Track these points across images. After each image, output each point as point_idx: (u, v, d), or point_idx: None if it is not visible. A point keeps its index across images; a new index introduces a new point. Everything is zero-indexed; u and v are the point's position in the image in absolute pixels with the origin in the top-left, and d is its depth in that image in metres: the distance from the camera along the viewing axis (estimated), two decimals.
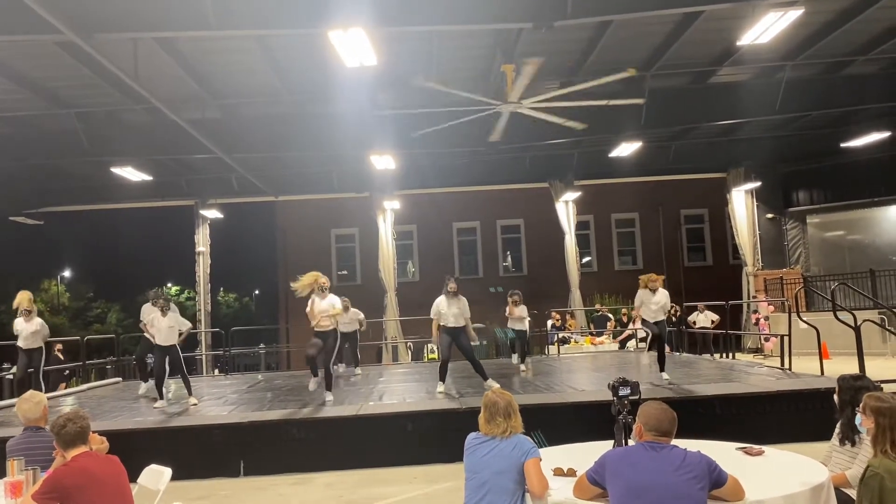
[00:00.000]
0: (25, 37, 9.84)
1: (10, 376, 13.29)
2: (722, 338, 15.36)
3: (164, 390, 10.33)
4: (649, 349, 10.33)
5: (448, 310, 9.75)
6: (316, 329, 9.40)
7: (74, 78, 12.83)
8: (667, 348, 11.00)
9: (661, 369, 10.13)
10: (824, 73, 14.96)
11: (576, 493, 3.49)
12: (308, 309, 9.37)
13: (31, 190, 19.46)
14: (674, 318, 17.38)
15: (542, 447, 4.06)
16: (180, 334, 10.16)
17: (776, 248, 21.10)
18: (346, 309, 11.27)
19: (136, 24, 9.73)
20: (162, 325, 9.95)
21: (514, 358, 13.32)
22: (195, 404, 9.88)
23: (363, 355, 20.50)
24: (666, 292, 9.97)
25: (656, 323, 9.95)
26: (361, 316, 13.56)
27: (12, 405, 7.21)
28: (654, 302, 9.81)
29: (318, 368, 9.56)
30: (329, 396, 9.42)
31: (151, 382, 10.76)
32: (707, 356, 14.45)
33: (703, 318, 17.42)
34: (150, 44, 11.07)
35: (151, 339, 10.14)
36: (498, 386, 9.70)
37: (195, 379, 15.03)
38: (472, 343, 10.05)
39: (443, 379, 9.99)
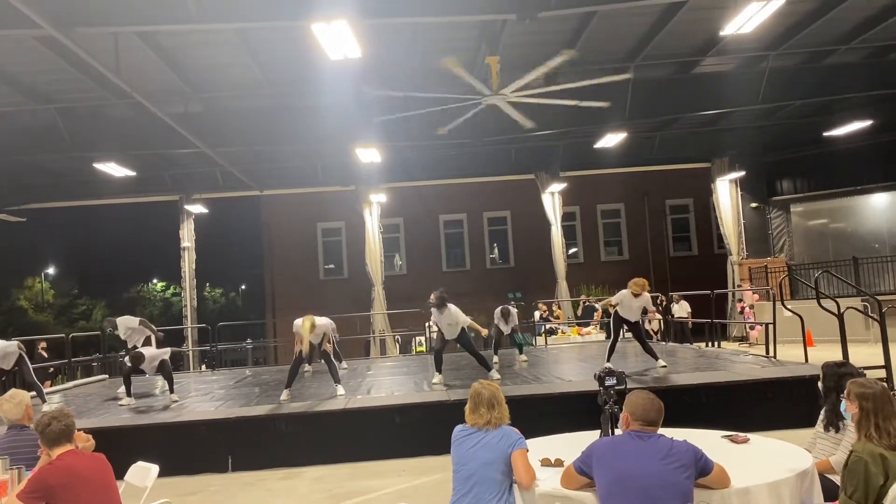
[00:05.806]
0: (4, 31, 9.71)
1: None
2: (707, 327, 15.46)
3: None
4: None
5: (441, 324, 9.88)
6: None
7: (55, 73, 12.68)
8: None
9: (655, 358, 10.28)
10: (807, 63, 15.06)
11: (563, 484, 3.50)
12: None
13: (13, 187, 19.25)
14: (660, 307, 17.51)
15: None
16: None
17: (760, 236, 21.26)
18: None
19: (116, 18, 9.63)
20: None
21: (520, 357, 12.80)
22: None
23: (352, 348, 20.61)
24: (647, 297, 10.14)
25: (631, 323, 10.18)
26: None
27: None
28: (628, 306, 10.03)
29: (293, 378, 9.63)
30: (340, 389, 9.44)
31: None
32: (687, 345, 14.57)
33: (678, 308, 17.57)
34: (131, 38, 10.96)
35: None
36: (499, 377, 9.79)
37: (183, 374, 14.99)
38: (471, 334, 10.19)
39: (439, 370, 10.01)
